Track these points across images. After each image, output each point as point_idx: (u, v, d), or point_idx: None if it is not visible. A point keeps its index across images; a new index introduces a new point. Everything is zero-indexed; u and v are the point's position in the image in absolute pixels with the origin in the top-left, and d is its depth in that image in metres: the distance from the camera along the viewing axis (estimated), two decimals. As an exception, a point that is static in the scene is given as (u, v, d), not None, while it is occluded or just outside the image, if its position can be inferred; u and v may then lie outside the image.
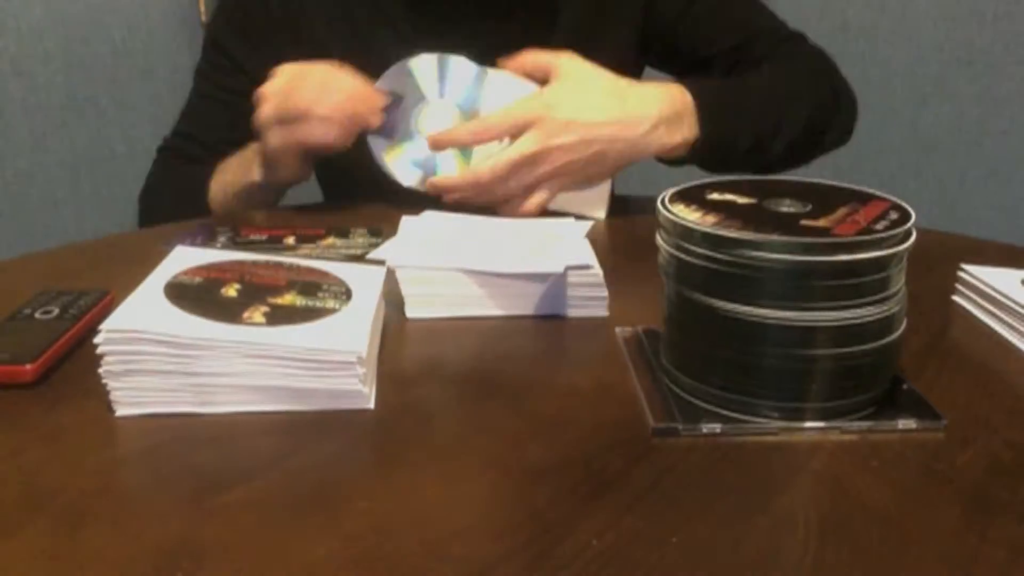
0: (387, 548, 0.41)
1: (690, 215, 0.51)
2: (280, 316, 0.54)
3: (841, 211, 0.52)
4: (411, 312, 0.65)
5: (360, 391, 0.52)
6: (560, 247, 0.69)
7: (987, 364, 0.60)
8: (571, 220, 0.79)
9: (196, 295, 0.55)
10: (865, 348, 0.50)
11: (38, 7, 1.65)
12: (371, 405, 0.53)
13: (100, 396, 0.51)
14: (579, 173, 0.83)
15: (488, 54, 0.89)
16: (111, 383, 0.51)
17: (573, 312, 0.65)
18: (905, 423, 0.51)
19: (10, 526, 0.42)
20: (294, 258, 0.63)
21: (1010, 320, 0.63)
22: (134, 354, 0.50)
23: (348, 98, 0.83)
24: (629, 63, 0.98)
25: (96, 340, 0.50)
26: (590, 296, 0.65)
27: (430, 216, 0.79)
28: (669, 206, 0.53)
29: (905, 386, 0.54)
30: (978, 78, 1.73)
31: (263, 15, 0.97)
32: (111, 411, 0.51)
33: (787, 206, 0.53)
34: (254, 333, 0.51)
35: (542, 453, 0.48)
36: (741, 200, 0.54)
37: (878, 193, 0.56)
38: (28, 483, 0.45)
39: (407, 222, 0.77)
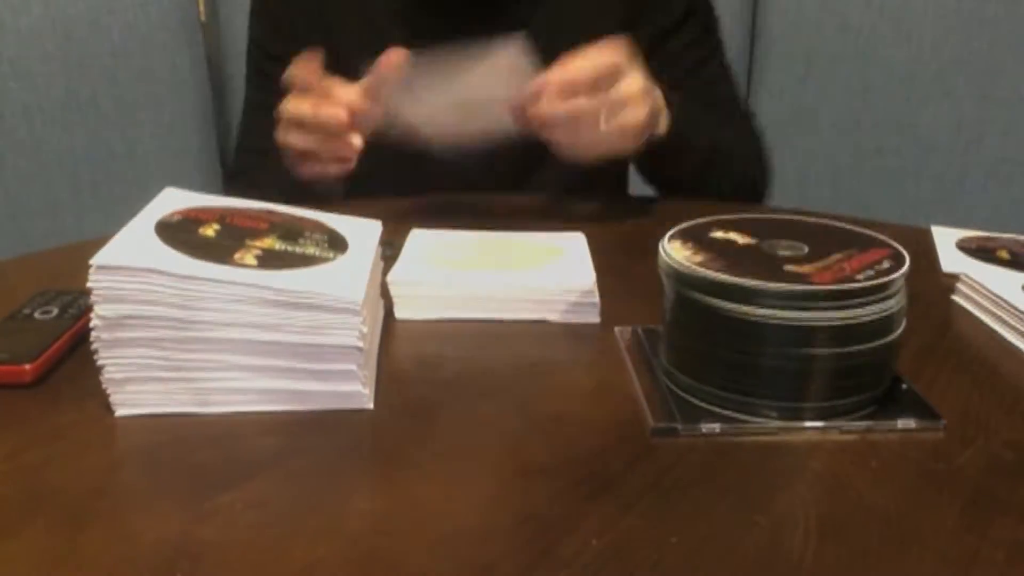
0: (387, 548, 0.41)
1: (680, 252, 0.53)
2: (271, 259, 0.53)
3: (834, 257, 0.52)
4: (400, 313, 0.65)
5: (359, 391, 0.52)
6: (559, 260, 0.70)
7: (987, 364, 0.60)
8: (571, 234, 0.78)
9: (175, 233, 0.54)
10: (865, 348, 0.50)
11: (37, 7, 1.65)
12: (370, 405, 0.53)
13: (100, 396, 0.51)
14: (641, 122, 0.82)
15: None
16: (110, 388, 0.51)
17: (564, 319, 0.65)
18: (904, 423, 0.51)
19: (10, 526, 0.42)
20: (283, 208, 0.62)
21: (1010, 320, 0.63)
22: (123, 293, 0.49)
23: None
24: None
25: (91, 277, 0.49)
26: (582, 303, 0.65)
27: (435, 233, 0.78)
28: (667, 244, 0.54)
29: (905, 386, 0.54)
30: (978, 78, 1.73)
31: (294, 8, 1.01)
32: (111, 411, 0.51)
33: (784, 249, 0.54)
34: (248, 275, 0.51)
35: (542, 453, 0.48)
36: (742, 240, 0.55)
37: (881, 239, 0.56)
38: (28, 483, 0.45)
39: (415, 236, 0.76)
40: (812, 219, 0.60)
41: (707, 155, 0.95)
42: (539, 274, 0.67)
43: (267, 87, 1.02)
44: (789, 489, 0.46)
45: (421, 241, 0.74)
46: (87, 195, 1.76)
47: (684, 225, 0.57)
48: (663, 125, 0.88)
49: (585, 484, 0.45)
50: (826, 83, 1.82)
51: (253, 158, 1.05)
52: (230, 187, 1.10)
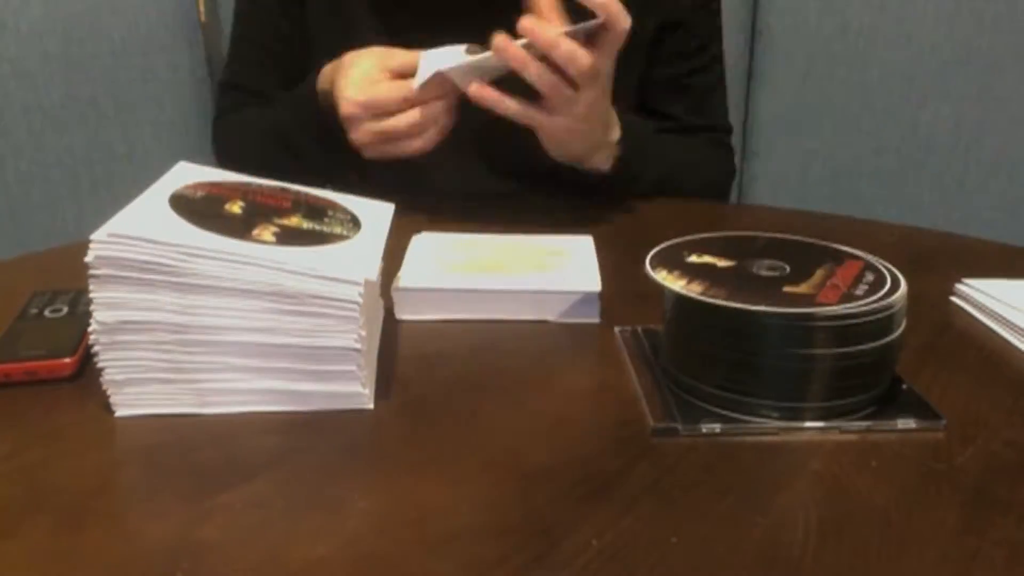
0: (387, 548, 0.41)
1: (674, 283, 0.52)
2: (290, 237, 0.53)
3: (819, 274, 0.53)
4: (400, 313, 0.65)
5: (359, 392, 0.52)
6: (563, 262, 0.70)
7: (987, 364, 0.60)
8: (578, 237, 0.78)
9: (200, 209, 0.53)
10: (865, 348, 0.50)
11: (37, 7, 1.65)
12: (370, 405, 0.53)
13: (100, 396, 0.51)
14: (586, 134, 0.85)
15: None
16: (111, 389, 0.51)
17: (564, 319, 0.65)
18: (905, 423, 0.51)
19: (10, 526, 0.42)
20: (299, 186, 0.62)
21: (1010, 320, 0.63)
22: (132, 265, 0.49)
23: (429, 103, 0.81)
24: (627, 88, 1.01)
25: (92, 238, 0.48)
26: (583, 303, 0.65)
27: (438, 237, 0.78)
28: (653, 273, 0.54)
29: (905, 386, 0.54)
30: (978, 78, 1.73)
31: None
32: (111, 411, 0.51)
33: (767, 270, 0.54)
34: (265, 250, 0.50)
35: (542, 453, 0.48)
36: (720, 263, 0.55)
37: (847, 250, 0.57)
38: (28, 483, 0.45)
39: (419, 239, 0.76)
40: (780, 236, 0.60)
41: (656, 185, 0.96)
42: (541, 277, 0.67)
43: (258, 20, 1.02)
44: (789, 489, 0.46)
45: (425, 244, 0.74)
46: (87, 195, 1.76)
47: (657, 250, 0.58)
48: (604, 162, 0.90)
49: (585, 484, 0.45)
50: (826, 83, 1.82)
51: (242, 96, 1.04)
52: (220, 127, 1.08)
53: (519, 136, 0.82)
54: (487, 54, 0.76)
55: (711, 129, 1.07)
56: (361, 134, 0.82)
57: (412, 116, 0.80)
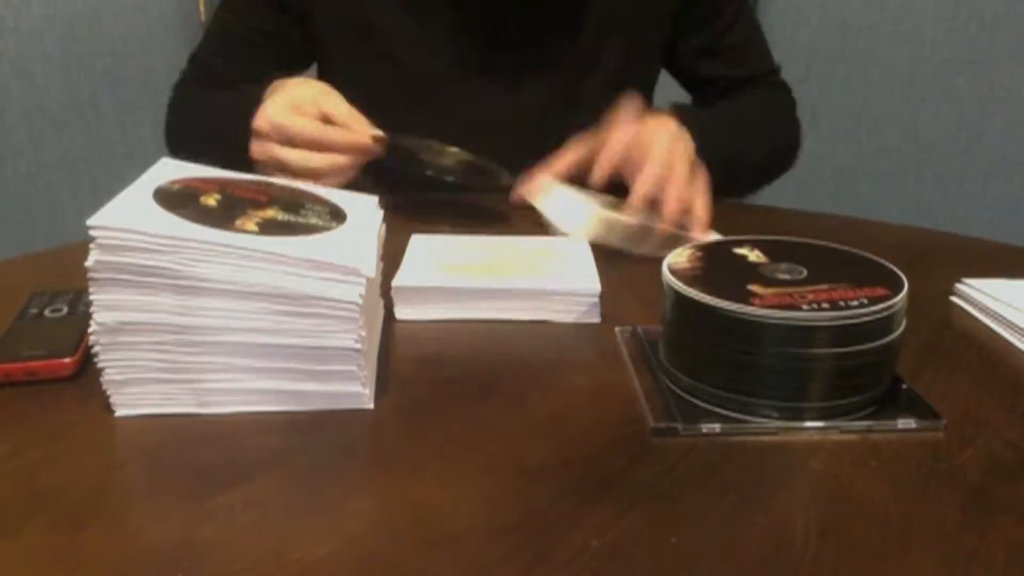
0: (387, 548, 0.41)
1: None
2: (272, 227, 0.53)
3: (816, 287, 0.52)
4: (400, 313, 0.65)
5: (360, 392, 0.52)
6: (562, 263, 0.70)
7: (987, 364, 0.60)
8: (571, 239, 0.78)
9: (177, 201, 0.53)
10: (865, 348, 0.50)
11: (38, 7, 1.65)
12: (371, 405, 0.53)
13: (100, 396, 0.51)
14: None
15: (509, 42, 0.93)
16: (111, 389, 0.51)
17: (564, 319, 0.65)
18: (905, 423, 0.51)
19: (10, 526, 0.42)
20: (280, 180, 0.62)
21: (1010, 320, 0.63)
22: (124, 253, 0.49)
23: (340, 151, 0.81)
24: (647, 63, 1.05)
25: (92, 231, 0.48)
26: (582, 303, 0.65)
27: (436, 238, 0.78)
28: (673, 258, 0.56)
29: (905, 386, 0.54)
30: (978, 78, 1.73)
31: None
32: (111, 411, 0.51)
33: (784, 272, 0.54)
34: (250, 240, 0.50)
35: (542, 453, 0.48)
36: (752, 257, 0.57)
37: (890, 271, 0.55)
38: (29, 483, 0.45)
39: (416, 241, 0.76)
40: (850, 250, 0.59)
41: (731, 164, 0.92)
42: (542, 277, 0.67)
43: (243, 11, 1.00)
44: (789, 489, 0.46)
45: (424, 245, 0.74)
46: (87, 195, 1.76)
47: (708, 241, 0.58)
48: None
49: (585, 484, 0.45)
50: (826, 83, 1.82)
51: (206, 74, 1.03)
52: (177, 93, 1.06)
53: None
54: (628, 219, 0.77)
55: (756, 77, 1.08)
56: (260, 151, 0.81)
57: (313, 160, 0.80)
